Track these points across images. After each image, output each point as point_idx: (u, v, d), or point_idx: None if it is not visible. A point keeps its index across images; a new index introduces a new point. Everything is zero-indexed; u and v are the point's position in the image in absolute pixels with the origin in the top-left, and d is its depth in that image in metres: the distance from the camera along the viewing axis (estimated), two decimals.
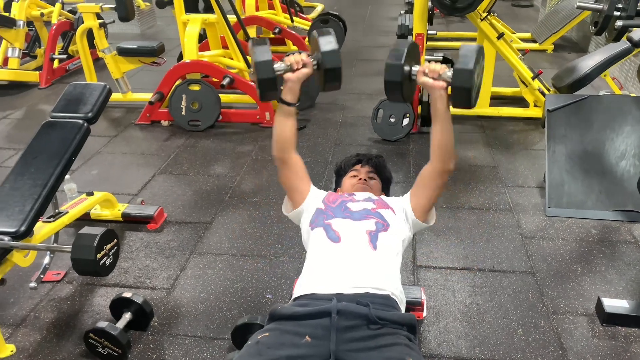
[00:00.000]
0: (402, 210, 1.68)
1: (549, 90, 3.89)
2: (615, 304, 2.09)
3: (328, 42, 1.54)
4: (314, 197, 1.72)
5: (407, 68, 1.52)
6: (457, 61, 1.44)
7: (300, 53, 1.58)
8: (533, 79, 3.90)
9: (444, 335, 2.04)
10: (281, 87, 1.59)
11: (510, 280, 2.33)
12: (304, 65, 1.57)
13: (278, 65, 1.55)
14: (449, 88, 1.48)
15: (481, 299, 2.23)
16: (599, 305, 2.11)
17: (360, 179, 1.88)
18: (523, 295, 2.24)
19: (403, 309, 1.51)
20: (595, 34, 2.62)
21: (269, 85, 1.54)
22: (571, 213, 2.79)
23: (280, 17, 5.80)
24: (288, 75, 1.56)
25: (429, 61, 1.56)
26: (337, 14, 5.69)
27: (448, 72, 1.46)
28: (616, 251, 2.51)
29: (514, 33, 5.90)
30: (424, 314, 2.12)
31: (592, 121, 2.97)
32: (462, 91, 1.44)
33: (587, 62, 3.68)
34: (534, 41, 6.02)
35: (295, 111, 1.67)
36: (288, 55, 1.60)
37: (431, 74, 1.48)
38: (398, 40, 1.59)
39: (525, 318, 2.12)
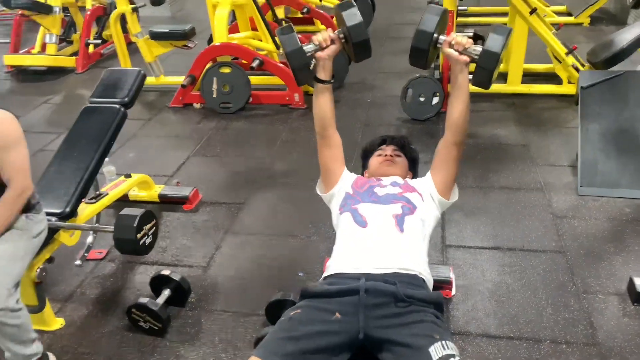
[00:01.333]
0: (427, 191, 1.71)
1: (583, 65, 3.79)
2: None
3: (351, 15, 1.54)
4: (345, 181, 1.77)
5: (435, 35, 1.52)
6: (487, 41, 1.44)
7: (327, 29, 1.61)
8: (567, 54, 3.80)
9: (473, 313, 2.07)
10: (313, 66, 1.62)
11: (540, 259, 2.34)
12: (332, 42, 1.59)
13: (308, 47, 1.57)
14: (472, 63, 1.49)
15: (510, 278, 2.24)
16: (631, 284, 2.10)
17: (386, 155, 1.91)
18: (553, 275, 2.25)
19: (431, 288, 1.55)
20: (633, 7, 2.54)
21: (303, 71, 1.58)
22: (604, 192, 2.76)
23: None
24: (319, 54, 1.60)
25: None
26: None
27: (473, 48, 1.47)
28: None
29: (548, 6, 5.71)
30: (453, 292, 2.16)
31: (628, 98, 2.90)
32: (485, 72, 1.45)
33: (625, 36, 3.56)
34: (570, 14, 5.82)
35: (331, 87, 1.70)
36: (316, 34, 1.62)
37: (457, 47, 1.50)
38: (430, 6, 1.59)
39: (555, 297, 2.13)
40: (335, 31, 1.59)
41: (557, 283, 2.20)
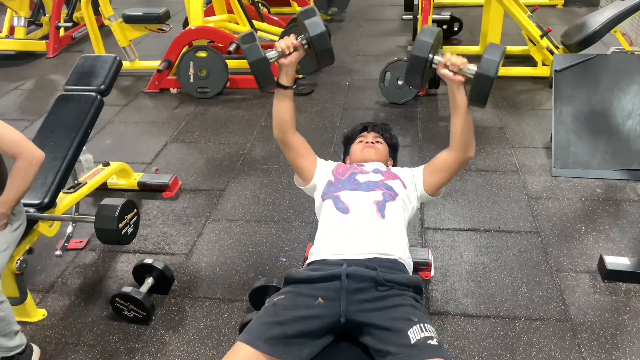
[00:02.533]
0: (412, 183, 1.73)
1: (557, 48, 3.85)
2: (617, 261, 2.17)
3: (314, 24, 1.54)
4: (323, 171, 1.78)
5: (430, 56, 1.53)
6: (480, 63, 1.43)
7: (290, 36, 1.60)
8: (541, 37, 3.86)
9: (451, 294, 2.14)
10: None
11: (515, 240, 2.41)
12: (295, 49, 1.59)
13: (270, 54, 1.57)
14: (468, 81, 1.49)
15: (487, 258, 2.31)
16: (601, 262, 2.19)
17: (367, 142, 1.93)
18: (528, 255, 2.32)
19: (410, 272, 1.59)
20: None
21: (266, 79, 1.58)
22: (577, 173, 2.84)
23: None
24: (282, 60, 1.59)
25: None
26: None
27: (468, 68, 1.47)
28: (620, 210, 2.57)
29: None
30: (432, 274, 2.22)
31: (600, 81, 2.97)
32: (480, 94, 1.46)
33: (597, 18, 3.64)
34: None
35: (293, 93, 1.71)
36: (278, 41, 1.62)
37: (452, 67, 1.50)
38: (424, 28, 1.58)
39: (530, 276, 2.20)
40: (298, 38, 1.59)
41: (532, 262, 2.28)
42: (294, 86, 1.69)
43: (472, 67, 1.47)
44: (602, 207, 2.60)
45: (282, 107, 1.70)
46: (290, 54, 1.59)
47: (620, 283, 2.14)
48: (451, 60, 1.50)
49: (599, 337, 1.92)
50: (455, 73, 1.50)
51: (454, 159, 1.66)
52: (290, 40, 1.58)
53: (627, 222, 2.49)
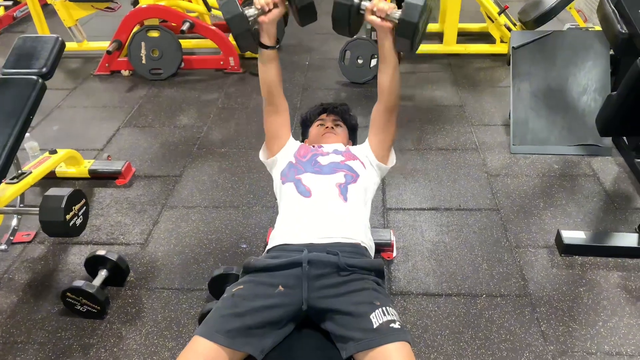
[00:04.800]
0: (365, 157, 1.72)
1: (515, 25, 3.88)
2: (573, 235, 2.22)
3: None
4: (289, 149, 1.74)
5: (356, 2, 1.47)
6: (404, 8, 1.39)
7: None
8: (499, 14, 3.87)
9: (413, 274, 2.14)
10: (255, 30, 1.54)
11: (475, 217, 2.43)
12: (275, 5, 1.52)
13: (249, 12, 1.49)
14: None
15: (448, 237, 2.32)
16: (558, 237, 2.23)
17: (326, 127, 1.89)
18: (488, 232, 2.34)
19: (372, 255, 1.56)
20: None
21: (246, 38, 1.51)
22: (535, 149, 2.88)
23: None
24: (262, 18, 1.52)
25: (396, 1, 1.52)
26: None
27: (395, 14, 1.43)
28: (576, 185, 2.62)
29: None
30: (394, 254, 2.21)
31: (556, 57, 3.00)
32: (404, 40, 1.43)
33: None
34: None
35: (277, 52, 1.64)
36: None
37: (379, 13, 1.46)
38: None
39: (490, 253, 2.22)
40: None
41: (492, 240, 2.30)
42: (277, 46, 1.61)
43: (399, 13, 1.43)
44: (559, 183, 2.64)
45: (268, 68, 1.64)
46: (270, 10, 1.51)
47: (577, 257, 2.19)
48: (378, 6, 1.45)
49: (557, 310, 1.96)
50: (382, 19, 1.47)
51: (382, 109, 1.66)
52: None
53: (582, 196, 2.54)
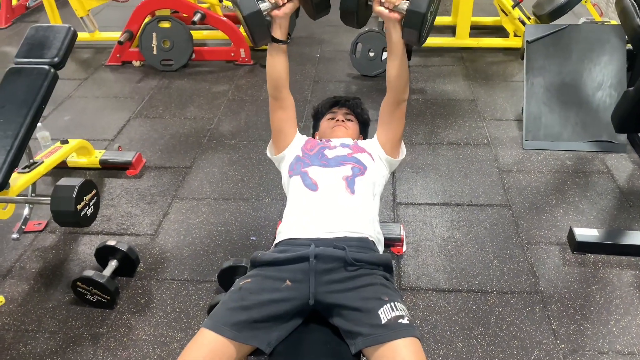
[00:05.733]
0: (374, 151, 1.71)
1: (529, 18, 3.82)
2: (586, 233, 2.19)
3: None
4: (296, 144, 1.73)
5: None
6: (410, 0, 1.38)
7: None
8: (513, 7, 3.81)
9: (423, 269, 2.12)
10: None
11: (487, 213, 2.40)
12: None
13: (263, 5, 1.48)
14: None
15: (458, 232, 2.30)
16: (571, 234, 2.20)
17: (337, 120, 1.88)
18: (499, 228, 2.32)
19: (381, 249, 1.55)
20: None
21: (261, 34, 1.50)
22: (547, 145, 2.84)
23: None
24: (275, 12, 1.51)
25: None
26: None
27: (403, 4, 1.42)
28: (589, 181, 2.59)
29: None
30: (404, 249, 2.20)
31: (571, 52, 2.95)
32: (412, 31, 1.41)
33: None
34: None
35: (286, 47, 1.63)
36: None
37: (387, 4, 1.44)
38: None
39: (501, 249, 2.20)
40: None
41: (503, 236, 2.27)
42: (289, 40, 1.60)
43: (407, 4, 1.41)
44: (571, 179, 2.61)
45: (277, 63, 1.63)
46: (284, 4, 1.50)
47: (589, 254, 2.16)
48: None
49: (568, 308, 1.94)
50: (390, 10, 1.45)
51: (390, 101, 1.64)
52: None
53: (595, 193, 2.51)
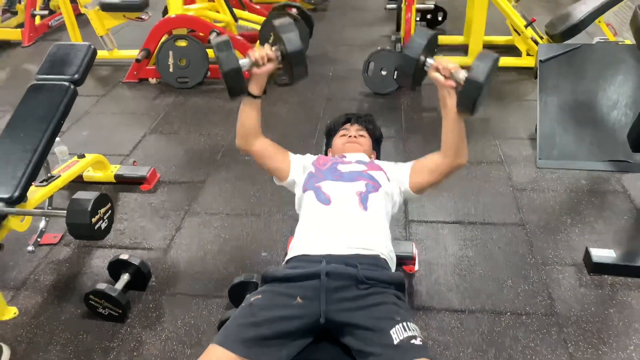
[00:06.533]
0: (396, 179, 1.68)
1: (542, 38, 3.83)
2: (603, 254, 2.15)
3: (291, 40, 1.50)
4: (300, 166, 1.73)
5: (422, 58, 1.49)
6: (470, 69, 1.40)
7: (264, 45, 1.55)
8: (526, 27, 3.83)
9: (436, 288, 2.10)
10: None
11: (500, 232, 2.38)
12: (269, 60, 1.54)
13: (243, 62, 1.52)
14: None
15: (472, 251, 2.28)
16: (587, 255, 2.17)
17: (350, 136, 1.88)
18: (513, 247, 2.29)
19: (393, 267, 1.54)
20: None
21: (238, 89, 1.54)
22: (562, 164, 2.82)
23: None
24: (255, 70, 1.54)
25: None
26: None
27: (460, 74, 1.44)
28: (605, 201, 2.55)
29: None
30: (416, 267, 2.18)
31: (585, 71, 2.95)
32: (468, 99, 1.42)
33: (581, 8, 3.61)
34: None
35: (260, 101, 1.66)
36: (253, 49, 1.56)
37: (443, 72, 1.46)
38: (419, 29, 1.55)
39: (515, 269, 2.17)
40: (273, 48, 1.54)
41: (517, 256, 2.25)
42: (263, 96, 1.64)
43: (464, 73, 1.43)
44: (587, 199, 2.58)
45: (249, 116, 1.65)
46: (264, 64, 1.53)
47: (606, 276, 2.12)
48: (442, 64, 1.46)
49: (585, 331, 1.89)
50: (446, 78, 1.46)
51: (445, 164, 1.61)
52: (265, 51, 1.53)
53: (612, 213, 2.47)
